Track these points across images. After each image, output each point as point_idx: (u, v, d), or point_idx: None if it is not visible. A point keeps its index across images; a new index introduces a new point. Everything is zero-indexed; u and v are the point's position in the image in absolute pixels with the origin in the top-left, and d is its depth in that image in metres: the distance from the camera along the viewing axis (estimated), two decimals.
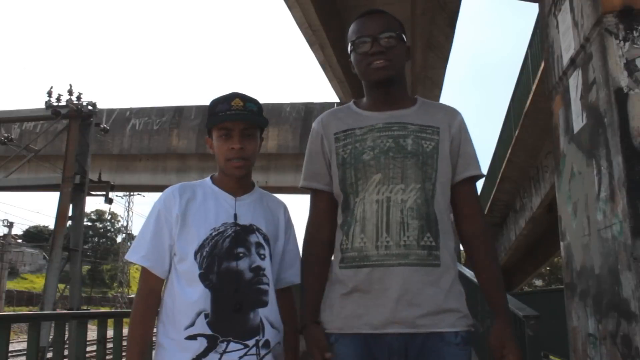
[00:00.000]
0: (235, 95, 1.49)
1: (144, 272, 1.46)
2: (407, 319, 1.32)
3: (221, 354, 1.36)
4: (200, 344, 1.36)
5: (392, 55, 1.45)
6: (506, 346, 1.36)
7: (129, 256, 1.49)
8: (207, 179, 1.56)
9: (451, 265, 1.40)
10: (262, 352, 1.41)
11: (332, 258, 1.49)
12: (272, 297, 1.47)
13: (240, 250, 1.45)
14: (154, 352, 1.47)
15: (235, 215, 1.49)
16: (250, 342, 1.39)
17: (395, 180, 1.39)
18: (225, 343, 1.37)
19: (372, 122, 1.47)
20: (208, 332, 1.37)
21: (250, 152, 1.49)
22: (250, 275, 1.44)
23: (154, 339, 1.51)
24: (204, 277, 1.41)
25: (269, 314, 1.45)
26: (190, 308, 1.39)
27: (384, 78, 1.46)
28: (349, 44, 1.51)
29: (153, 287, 1.46)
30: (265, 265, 1.48)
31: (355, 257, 1.37)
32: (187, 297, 1.40)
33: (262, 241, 1.49)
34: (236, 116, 1.46)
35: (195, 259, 1.43)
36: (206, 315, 1.39)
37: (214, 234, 1.45)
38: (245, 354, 1.38)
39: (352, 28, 1.52)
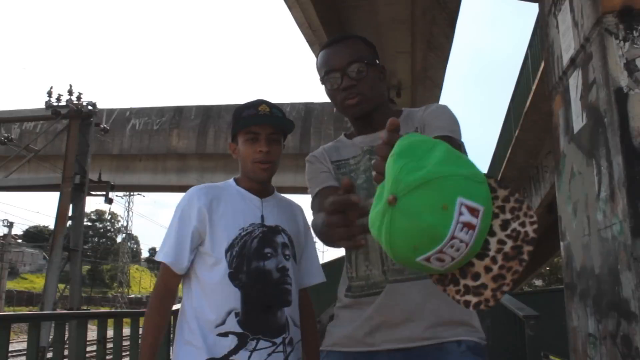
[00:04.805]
0: (261, 102, 1.53)
1: (162, 268, 1.49)
2: (406, 334, 1.26)
3: (251, 352, 1.40)
4: (232, 342, 1.40)
5: (364, 87, 1.37)
6: None
7: (157, 257, 1.52)
8: (231, 181, 1.60)
9: None
10: (288, 349, 1.46)
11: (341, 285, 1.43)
12: (294, 297, 1.52)
13: (268, 250, 1.49)
14: (177, 349, 1.47)
15: (262, 217, 1.53)
16: (278, 340, 1.44)
17: None
18: (255, 341, 1.41)
19: (361, 146, 1.42)
20: (238, 330, 1.41)
21: (276, 156, 1.54)
22: (277, 275, 1.48)
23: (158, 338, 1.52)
24: (233, 277, 1.45)
25: (292, 312, 1.50)
26: (221, 307, 1.43)
27: (360, 114, 1.40)
28: (320, 78, 1.44)
29: (168, 284, 1.49)
30: (290, 266, 1.52)
31: (363, 286, 1.32)
32: (217, 296, 1.44)
33: (288, 242, 1.54)
34: (264, 119, 1.50)
35: (225, 258, 1.46)
36: (236, 314, 1.42)
37: (242, 234, 1.48)
38: (273, 352, 1.43)
39: (319, 60, 1.44)
